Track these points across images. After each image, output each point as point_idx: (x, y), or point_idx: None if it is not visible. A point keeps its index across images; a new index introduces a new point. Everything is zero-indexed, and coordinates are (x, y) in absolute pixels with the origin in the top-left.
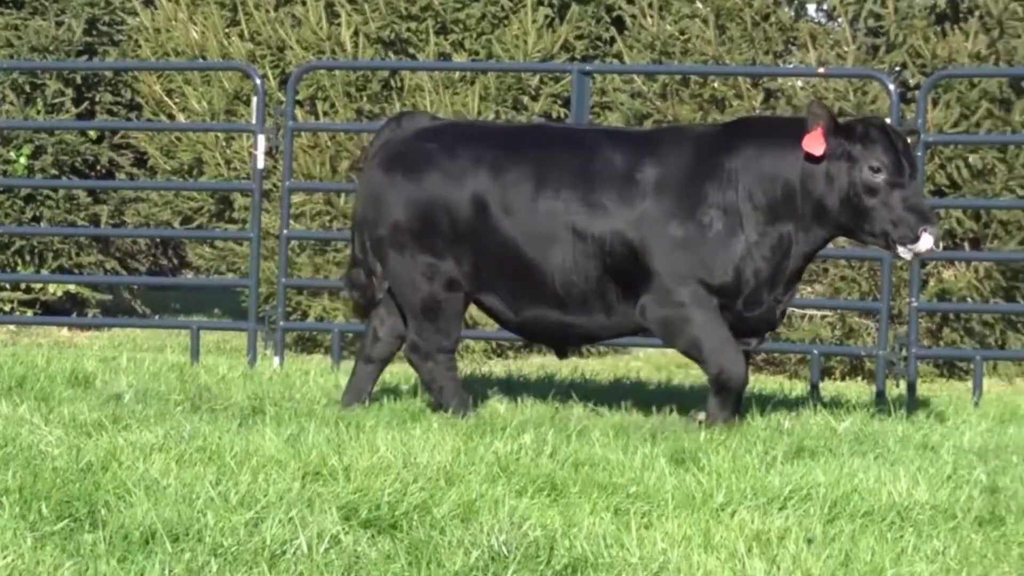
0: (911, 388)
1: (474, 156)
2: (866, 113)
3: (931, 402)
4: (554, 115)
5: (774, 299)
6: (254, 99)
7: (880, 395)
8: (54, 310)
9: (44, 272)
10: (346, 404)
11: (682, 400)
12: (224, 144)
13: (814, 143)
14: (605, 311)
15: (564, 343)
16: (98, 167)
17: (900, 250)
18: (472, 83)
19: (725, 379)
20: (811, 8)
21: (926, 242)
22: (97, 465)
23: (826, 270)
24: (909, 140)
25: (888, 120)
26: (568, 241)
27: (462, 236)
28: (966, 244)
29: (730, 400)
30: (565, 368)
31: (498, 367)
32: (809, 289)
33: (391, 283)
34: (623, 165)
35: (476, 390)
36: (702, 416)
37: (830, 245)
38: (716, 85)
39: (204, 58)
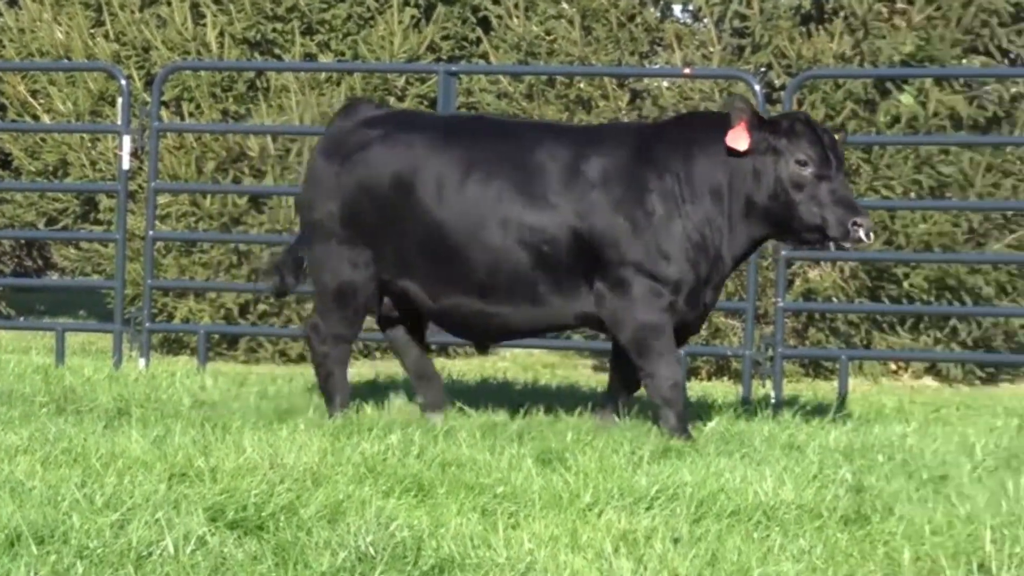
0: (777, 388)
1: (407, 143)
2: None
3: (797, 402)
4: None
5: (707, 301)
6: (119, 100)
7: (746, 395)
8: None
9: None
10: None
11: (549, 400)
12: (89, 145)
13: (737, 138)
14: (532, 302)
15: (483, 335)
16: None
17: (833, 245)
18: (338, 84)
19: (659, 390)
20: (677, 9)
21: (858, 235)
22: None
23: None
24: (836, 137)
25: None
26: (499, 230)
27: (387, 222)
28: (831, 244)
29: (675, 409)
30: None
31: (365, 367)
32: None
33: (310, 266)
34: (566, 157)
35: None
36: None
37: None
38: (582, 86)
39: (69, 59)
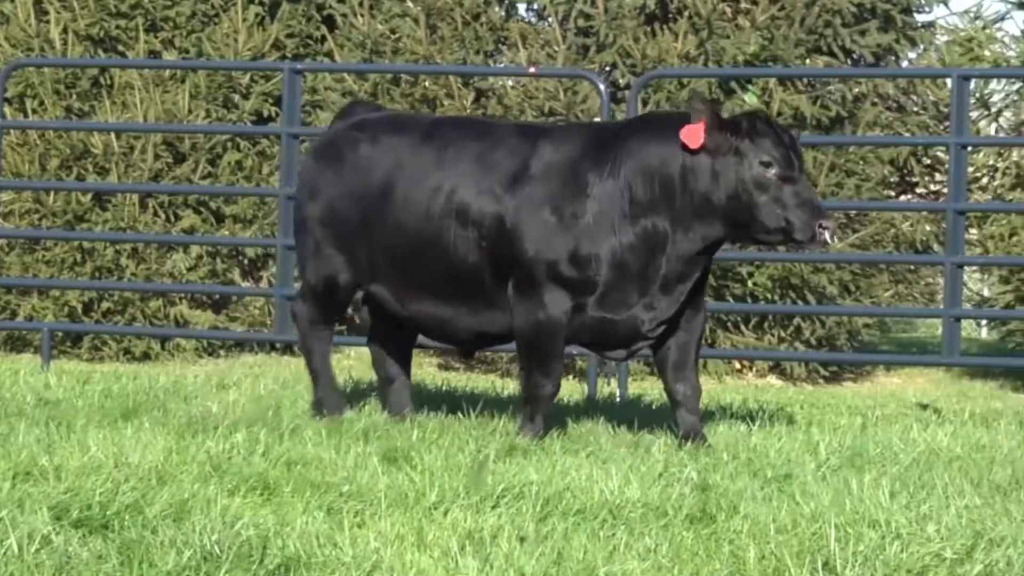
0: (622, 386)
1: (389, 145)
2: (579, 112)
3: (642, 400)
4: (265, 114)
5: (645, 305)
6: None
7: (592, 393)
8: None
9: None
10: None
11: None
12: None
13: (692, 136)
14: (486, 302)
15: (454, 339)
16: None
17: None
18: (183, 81)
19: (532, 391)
20: (521, 8)
21: (823, 237)
22: None
23: None
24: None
25: (598, 120)
26: (452, 228)
27: (364, 225)
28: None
29: (540, 412)
30: (277, 367)
31: (210, 366)
32: None
33: (298, 260)
34: (519, 154)
35: (187, 390)
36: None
37: None
38: (427, 84)
39: None
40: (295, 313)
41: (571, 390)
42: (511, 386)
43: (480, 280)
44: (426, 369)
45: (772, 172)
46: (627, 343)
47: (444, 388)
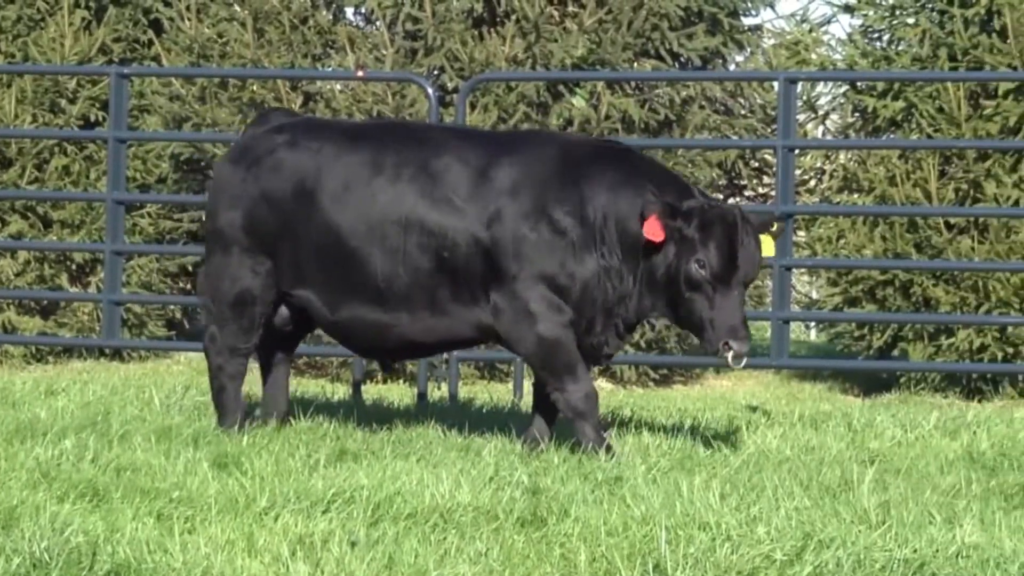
0: (453, 390)
1: (311, 149)
2: (408, 115)
3: (473, 404)
4: (92, 118)
5: (598, 338)
6: None
7: (422, 397)
8: None
9: None
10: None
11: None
12: None
13: (653, 230)
14: (431, 311)
15: (382, 349)
16: None
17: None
18: (8, 86)
19: (574, 404)
20: (349, 11)
21: (725, 357)
22: None
23: None
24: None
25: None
26: (399, 234)
27: (286, 229)
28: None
29: (590, 422)
30: (106, 373)
31: (38, 372)
32: None
33: (207, 276)
34: (476, 163)
35: (15, 396)
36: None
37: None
38: (255, 88)
39: None
40: (209, 345)
41: (401, 394)
42: (341, 391)
43: (430, 288)
44: (255, 374)
45: (703, 273)
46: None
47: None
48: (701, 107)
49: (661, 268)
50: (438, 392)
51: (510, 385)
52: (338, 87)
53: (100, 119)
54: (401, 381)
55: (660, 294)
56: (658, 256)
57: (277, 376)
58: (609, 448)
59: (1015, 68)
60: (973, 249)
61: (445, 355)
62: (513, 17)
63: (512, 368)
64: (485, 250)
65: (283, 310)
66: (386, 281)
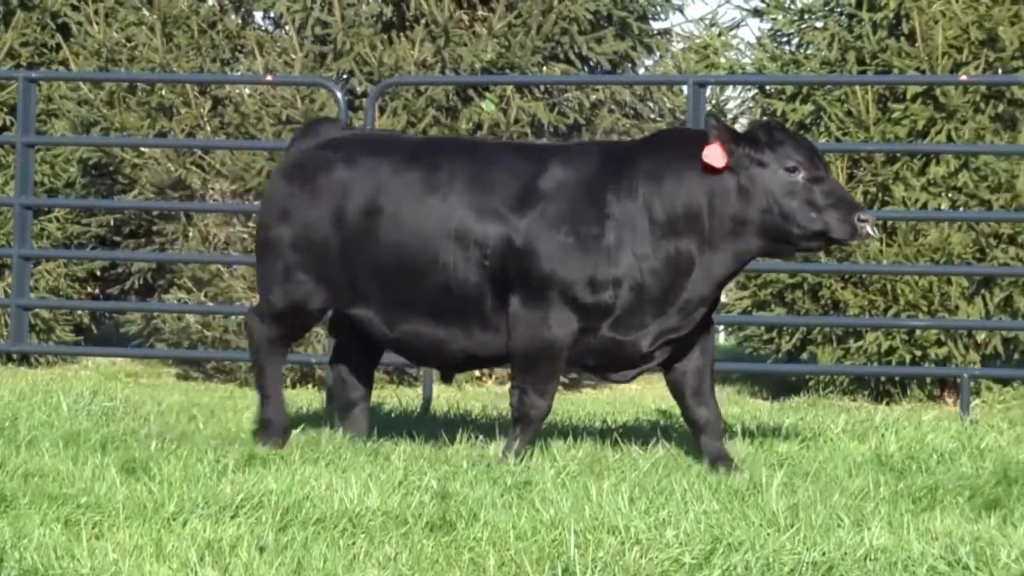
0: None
1: (369, 166)
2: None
3: (383, 408)
4: (0, 123)
5: (661, 327)
6: None
7: (330, 402)
8: None
9: None
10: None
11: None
12: None
13: (714, 156)
14: (482, 325)
15: (442, 361)
16: None
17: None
18: None
19: (527, 409)
20: (258, 16)
21: (865, 230)
22: None
23: None
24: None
25: None
26: (449, 248)
27: (344, 248)
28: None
29: (530, 432)
30: (14, 378)
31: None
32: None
33: (259, 284)
34: (522, 174)
35: None
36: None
37: None
38: (164, 92)
39: None
40: (251, 329)
41: (310, 398)
42: (249, 395)
43: (480, 301)
44: (165, 379)
45: (799, 176)
46: (632, 364)
47: (183, 398)
48: (610, 111)
49: (750, 205)
50: None
51: (419, 390)
52: (247, 91)
53: (8, 124)
54: (311, 386)
55: (754, 234)
56: (739, 198)
57: (360, 396)
58: (520, 461)
59: (923, 71)
60: (881, 252)
61: None
62: (422, 21)
63: (422, 373)
64: (518, 257)
65: None
66: (440, 296)
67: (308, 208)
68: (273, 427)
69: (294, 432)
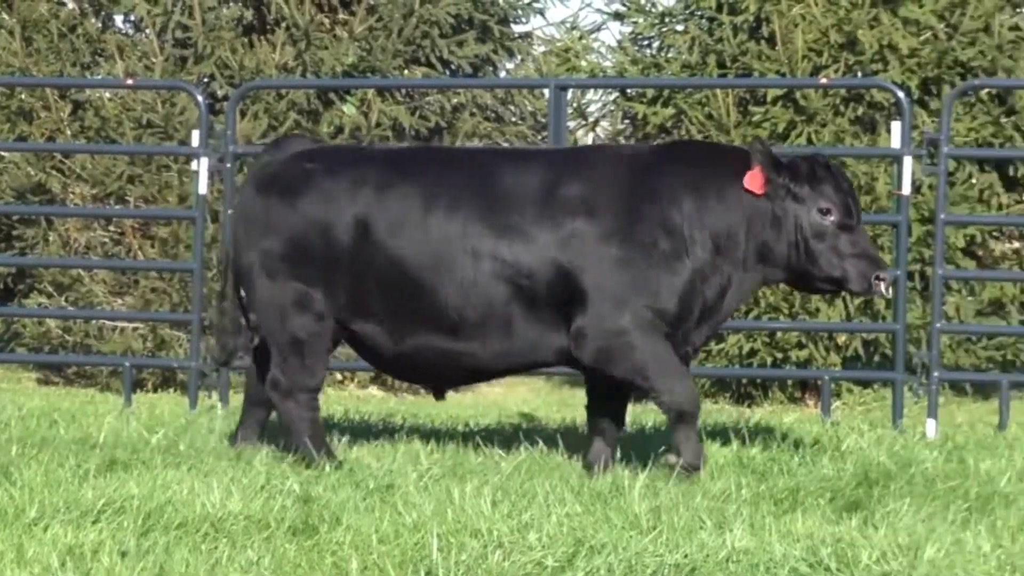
0: (224, 399)
1: (357, 178)
2: (178, 123)
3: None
4: None
5: (692, 344)
6: None
7: (193, 407)
8: None
9: None
10: (238, 444)
11: None
12: None
13: (754, 181)
14: (505, 337)
15: (447, 376)
16: None
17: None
18: None
19: (679, 404)
20: (119, 19)
21: (879, 289)
22: None
23: (136, 282)
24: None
25: (196, 131)
26: (469, 263)
27: (341, 261)
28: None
29: (692, 427)
30: None
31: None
32: (120, 301)
33: (257, 313)
34: (542, 185)
35: None
36: (673, 458)
37: (155, 256)
38: (23, 96)
39: None
40: (273, 392)
41: (173, 403)
42: (111, 400)
43: (504, 313)
44: (25, 383)
45: (830, 219)
46: None
47: (44, 403)
48: (472, 114)
49: (781, 235)
50: (209, 401)
51: None
52: (107, 95)
53: None
54: (172, 390)
55: (777, 264)
56: (768, 227)
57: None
58: (699, 456)
59: (783, 74)
60: None
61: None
62: (283, 24)
63: None
64: (564, 274)
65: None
66: (457, 309)
67: (291, 219)
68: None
69: (156, 436)
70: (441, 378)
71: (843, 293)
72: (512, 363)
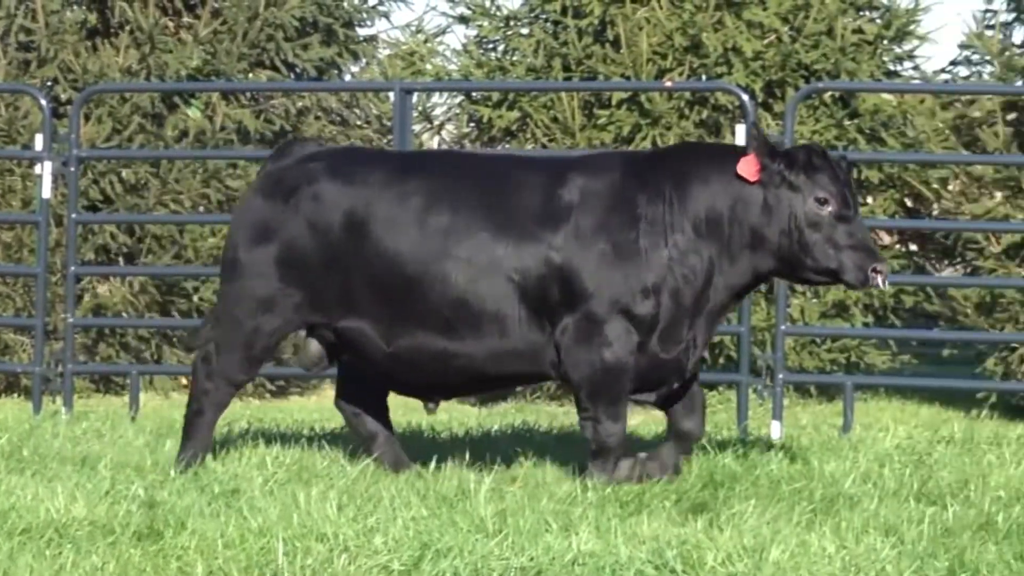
0: (68, 404)
1: (358, 178)
2: (21, 127)
3: (89, 417)
4: None
5: (689, 342)
6: None
7: (37, 412)
8: None
9: None
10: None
11: None
12: None
13: (748, 168)
14: (500, 335)
15: (442, 379)
16: None
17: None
18: None
19: (604, 443)
20: None
21: (876, 281)
22: None
23: None
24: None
25: (40, 135)
26: (465, 262)
27: (335, 260)
28: (120, 259)
29: (609, 461)
30: None
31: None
32: None
33: (222, 302)
34: (542, 187)
35: None
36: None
37: None
38: None
39: None
40: (200, 367)
41: (16, 408)
42: None
43: (502, 317)
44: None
45: (827, 209)
46: (667, 382)
47: None
48: (317, 118)
49: (772, 223)
50: (53, 406)
51: (126, 398)
52: None
53: None
54: (15, 395)
55: (770, 253)
56: (760, 215)
57: (377, 427)
58: (610, 482)
59: (628, 78)
60: None
61: (59, 368)
62: (127, 28)
63: (128, 381)
64: (558, 273)
65: (313, 346)
66: (453, 309)
67: (292, 223)
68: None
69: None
70: (435, 379)
71: None
72: (509, 369)
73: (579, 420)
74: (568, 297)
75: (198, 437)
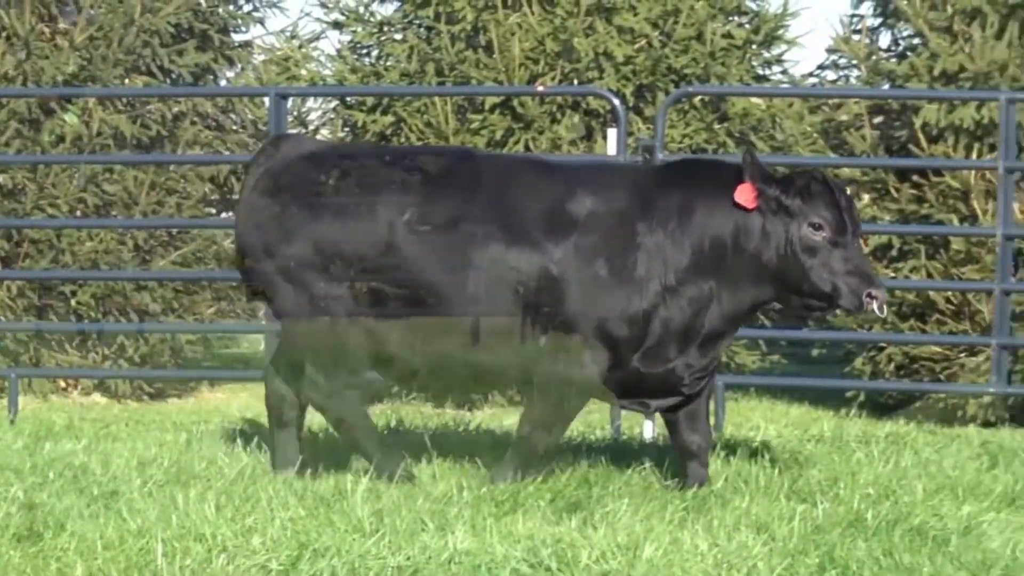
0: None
1: (382, 181)
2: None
3: None
4: None
5: (684, 362)
6: None
7: None
8: None
9: None
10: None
11: None
12: None
13: (745, 195)
14: (512, 350)
15: (463, 388)
16: None
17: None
18: None
19: (533, 451)
20: None
21: (871, 307)
22: None
23: None
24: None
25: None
26: (483, 271)
27: (365, 268)
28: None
29: (525, 466)
30: None
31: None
32: None
33: (285, 319)
34: (551, 195)
35: None
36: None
37: None
38: None
39: None
40: (314, 395)
41: None
42: None
43: (510, 326)
44: None
45: (822, 235)
46: (657, 394)
47: None
48: (193, 123)
49: (767, 251)
50: None
51: (4, 402)
52: None
53: None
54: None
55: (767, 281)
56: (757, 242)
57: (292, 417)
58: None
59: (501, 83)
60: None
61: None
62: (3, 34)
63: (7, 384)
64: (553, 285)
65: None
66: (465, 317)
67: (323, 226)
68: (389, 465)
69: None
70: (463, 386)
71: None
72: (523, 372)
73: (521, 416)
74: (555, 311)
75: (377, 446)
